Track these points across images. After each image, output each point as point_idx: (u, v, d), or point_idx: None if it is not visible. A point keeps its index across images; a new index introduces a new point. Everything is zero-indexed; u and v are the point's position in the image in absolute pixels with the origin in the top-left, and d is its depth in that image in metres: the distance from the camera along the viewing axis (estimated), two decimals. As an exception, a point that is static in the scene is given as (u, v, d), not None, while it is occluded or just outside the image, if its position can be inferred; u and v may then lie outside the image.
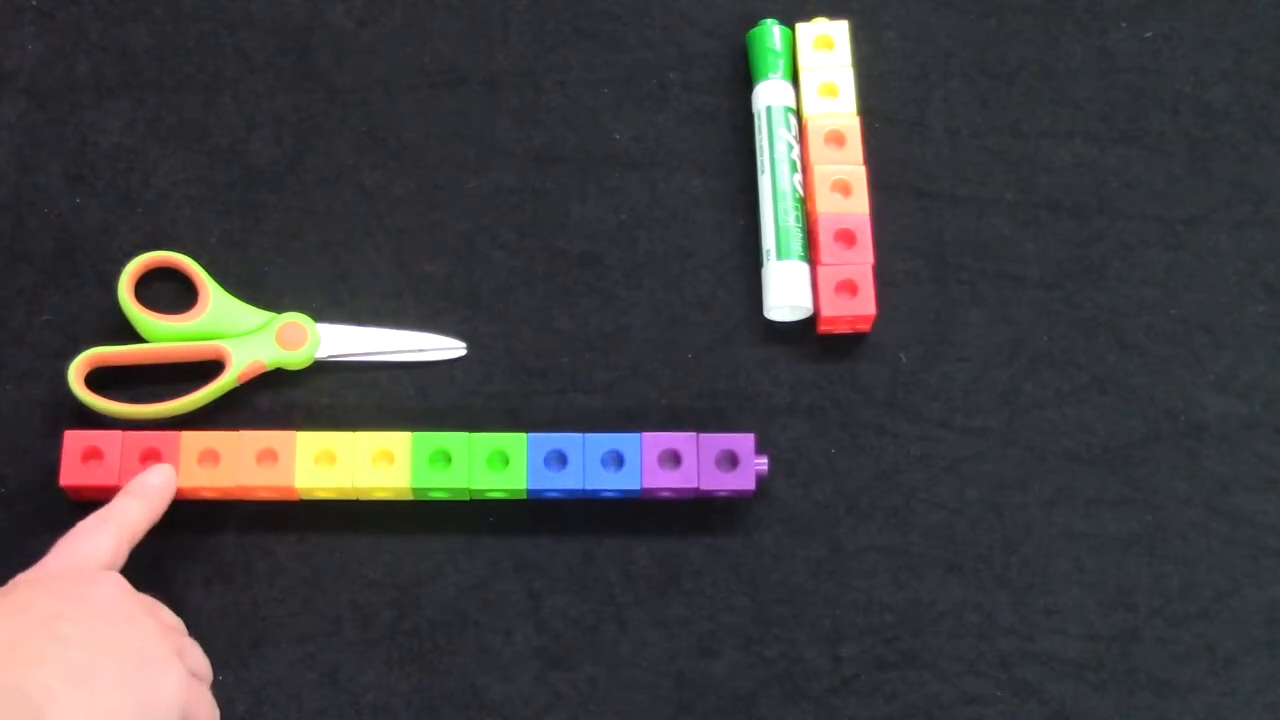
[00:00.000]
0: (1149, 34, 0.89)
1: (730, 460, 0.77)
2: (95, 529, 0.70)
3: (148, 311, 0.80)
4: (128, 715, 0.61)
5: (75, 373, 0.78)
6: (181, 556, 0.77)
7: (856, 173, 0.83)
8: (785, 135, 0.84)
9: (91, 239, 0.83)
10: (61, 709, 0.59)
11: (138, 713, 0.62)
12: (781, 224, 0.82)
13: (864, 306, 0.81)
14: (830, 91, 0.85)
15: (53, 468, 0.76)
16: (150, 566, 0.74)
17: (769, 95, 0.85)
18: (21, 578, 0.67)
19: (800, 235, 0.83)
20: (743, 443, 0.77)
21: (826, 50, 0.86)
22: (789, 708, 0.75)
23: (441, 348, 0.81)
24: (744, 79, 0.87)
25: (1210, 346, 0.83)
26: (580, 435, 0.77)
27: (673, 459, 0.77)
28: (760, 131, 0.85)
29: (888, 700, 0.76)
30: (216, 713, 0.68)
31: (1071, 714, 0.76)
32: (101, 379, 0.79)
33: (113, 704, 0.61)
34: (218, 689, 0.72)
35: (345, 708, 0.75)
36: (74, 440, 0.76)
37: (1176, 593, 0.78)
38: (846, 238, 0.82)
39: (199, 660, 0.69)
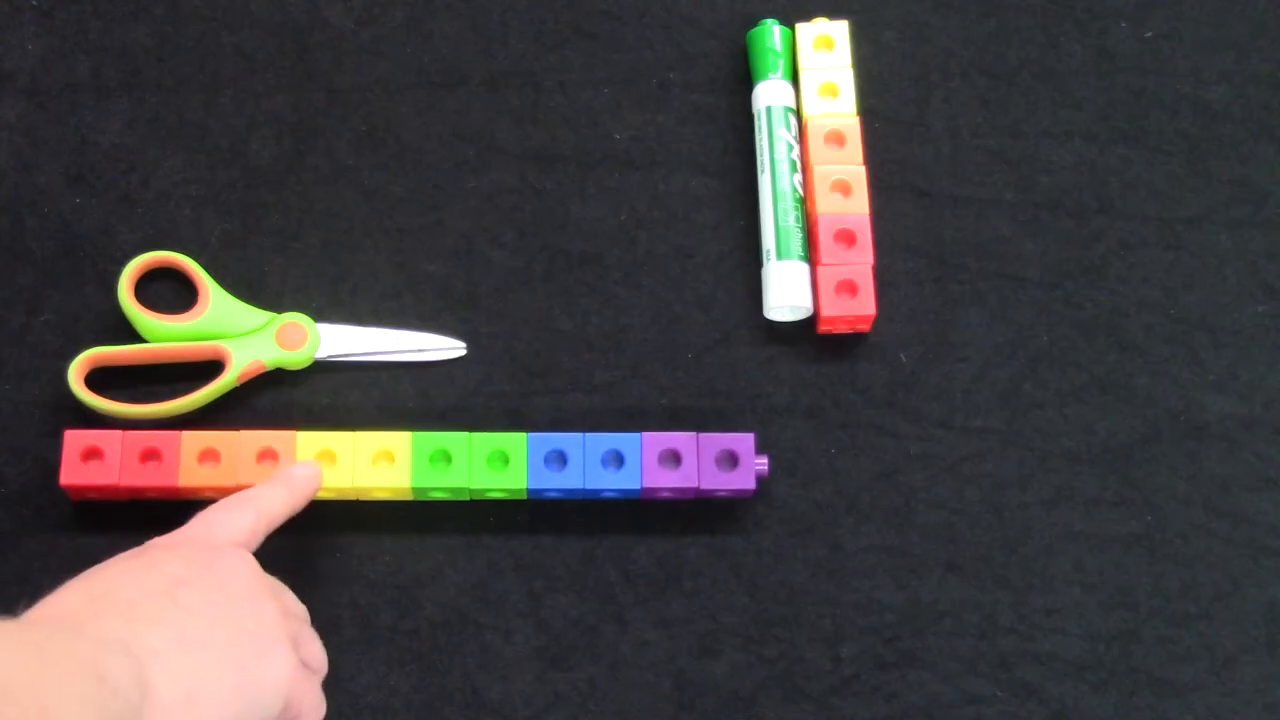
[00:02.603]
0: (1149, 34, 0.89)
1: (730, 460, 0.77)
2: (236, 507, 0.70)
3: (148, 311, 0.80)
4: (230, 691, 0.61)
5: (75, 373, 0.78)
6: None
7: (856, 173, 0.83)
8: (785, 135, 0.84)
9: (91, 239, 0.83)
10: (165, 672, 0.59)
11: (241, 690, 0.62)
12: (781, 224, 0.83)
13: (864, 306, 0.81)
14: (830, 91, 0.85)
15: (53, 468, 0.76)
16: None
17: (769, 95, 0.85)
18: (156, 541, 0.67)
19: (800, 235, 0.83)
20: (743, 442, 0.77)
21: (826, 50, 0.86)
22: (789, 708, 0.75)
23: (441, 348, 0.81)
24: (744, 79, 0.87)
25: (1210, 346, 0.83)
26: (580, 435, 0.77)
27: (673, 458, 0.77)
28: (760, 131, 0.85)
29: (888, 700, 0.76)
30: (323, 707, 0.67)
31: (1071, 714, 0.76)
32: (101, 379, 0.79)
33: (217, 677, 0.61)
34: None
35: (345, 708, 0.75)
36: (74, 440, 0.76)
37: (1176, 593, 0.78)
38: (846, 238, 0.82)
39: (315, 652, 0.69)
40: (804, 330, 0.83)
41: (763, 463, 0.77)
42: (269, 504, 0.71)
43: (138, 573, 0.63)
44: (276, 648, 0.64)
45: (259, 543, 0.70)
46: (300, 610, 0.70)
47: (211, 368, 0.79)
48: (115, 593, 0.61)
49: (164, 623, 0.60)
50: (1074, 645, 0.77)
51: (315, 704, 0.67)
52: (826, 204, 0.83)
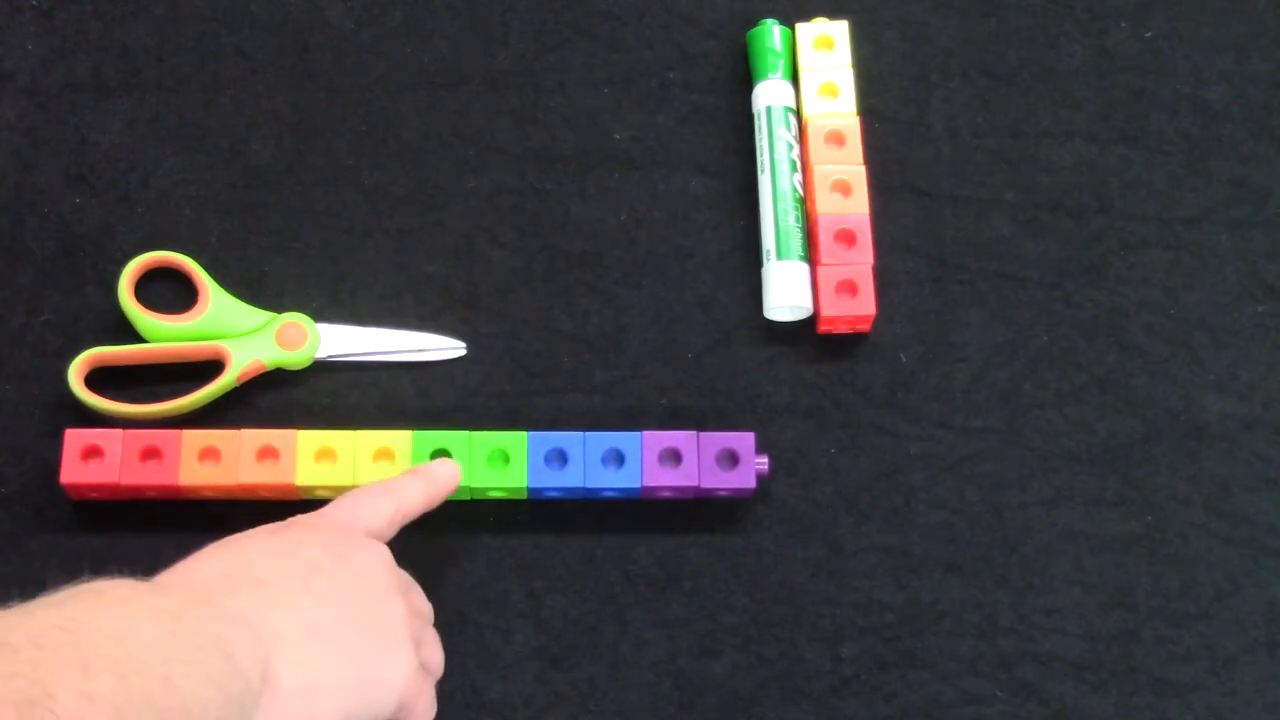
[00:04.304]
0: (1149, 34, 0.89)
1: (731, 459, 0.77)
2: (378, 495, 0.70)
3: (148, 311, 0.80)
4: (347, 684, 0.61)
5: (75, 373, 0.78)
6: (182, 556, 0.76)
7: (856, 173, 0.83)
8: (785, 135, 0.84)
9: (91, 239, 0.83)
10: (287, 657, 0.59)
11: (357, 686, 0.62)
12: (781, 224, 0.83)
13: (864, 306, 0.81)
14: (830, 91, 0.85)
15: (53, 467, 0.76)
16: (151, 568, 0.74)
17: (769, 95, 0.85)
18: (299, 519, 0.67)
19: (800, 235, 0.83)
20: (743, 441, 0.77)
21: (826, 50, 0.86)
22: (789, 708, 0.75)
23: (441, 348, 0.81)
24: (744, 79, 0.87)
25: (1210, 346, 0.83)
26: (580, 434, 0.77)
27: (673, 457, 0.77)
28: (760, 131, 0.85)
29: (888, 700, 0.76)
30: (434, 709, 0.67)
31: (1071, 714, 0.76)
32: (101, 379, 0.79)
33: (336, 668, 0.61)
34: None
35: (345, 707, 0.74)
36: (74, 438, 0.76)
37: (1176, 593, 0.78)
38: (846, 238, 0.82)
39: (434, 653, 0.69)
40: (804, 330, 0.83)
41: (763, 462, 0.77)
42: (409, 497, 0.71)
43: (277, 552, 0.63)
44: (399, 648, 0.64)
45: (394, 533, 0.70)
46: (426, 609, 0.70)
47: (211, 368, 0.79)
48: (252, 568, 0.62)
49: (295, 608, 0.61)
50: (1074, 645, 0.77)
51: (428, 706, 0.67)
52: (826, 204, 0.83)
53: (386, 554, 0.67)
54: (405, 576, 0.69)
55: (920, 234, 0.85)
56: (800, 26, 0.87)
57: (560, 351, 0.82)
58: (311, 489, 0.77)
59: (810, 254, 0.83)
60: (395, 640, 0.64)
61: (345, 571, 0.64)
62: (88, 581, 0.55)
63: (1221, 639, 0.77)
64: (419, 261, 0.83)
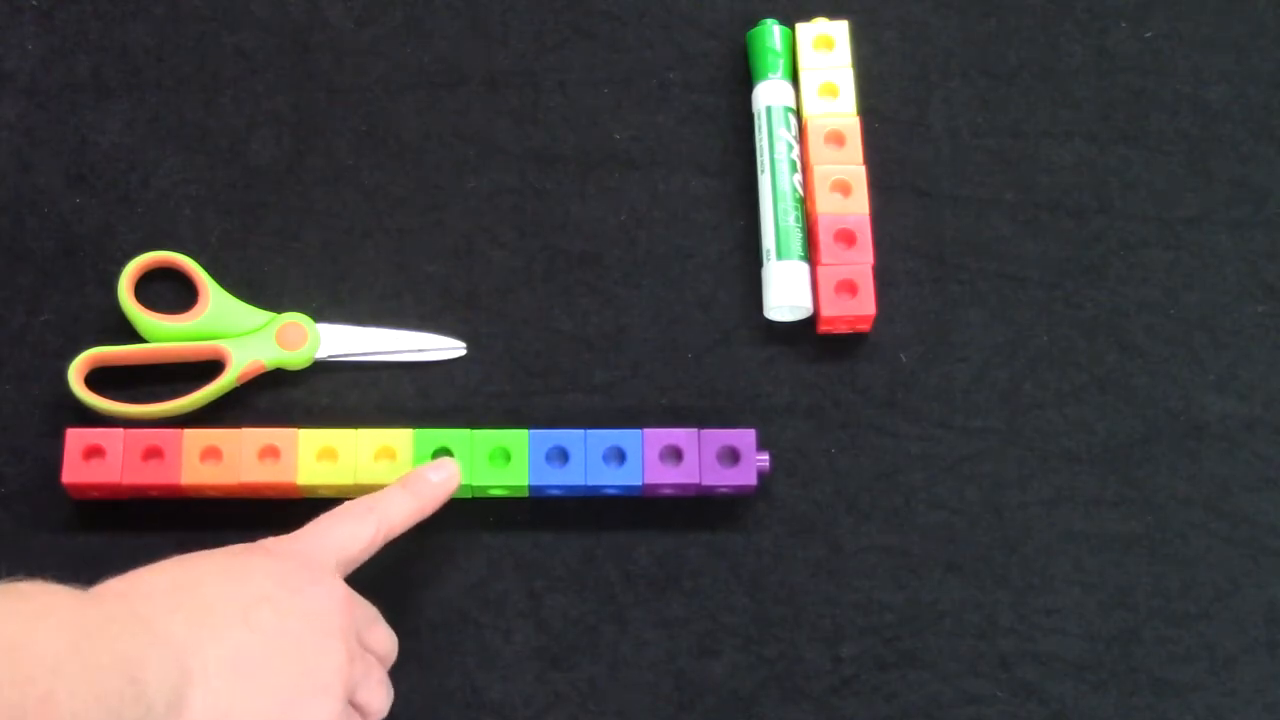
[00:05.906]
0: (1149, 34, 0.89)
1: (732, 456, 0.77)
2: (357, 517, 0.69)
3: (148, 311, 0.80)
4: None
5: (75, 373, 0.78)
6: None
7: (856, 173, 0.83)
8: (785, 135, 0.84)
9: (91, 239, 0.83)
10: (208, 690, 0.59)
11: None
12: (781, 224, 0.83)
13: (864, 306, 0.81)
14: (830, 91, 0.85)
15: (54, 468, 0.76)
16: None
17: (769, 95, 0.85)
18: (266, 543, 0.67)
19: (800, 235, 0.83)
20: (744, 438, 0.77)
21: (826, 50, 0.86)
22: (789, 708, 0.75)
23: (441, 348, 0.81)
24: (744, 79, 0.87)
25: (1210, 346, 0.83)
26: (581, 431, 0.77)
27: (674, 455, 0.77)
28: (760, 131, 0.85)
29: (888, 700, 0.76)
30: None
31: (1071, 714, 0.76)
32: (101, 379, 0.79)
33: (254, 704, 0.61)
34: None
35: (345, 707, 0.74)
36: (75, 438, 0.76)
37: (1176, 593, 0.78)
38: (846, 238, 0.82)
39: (375, 699, 0.67)
40: (804, 330, 0.83)
41: (764, 459, 0.77)
42: (392, 514, 0.71)
43: (229, 575, 0.63)
44: (325, 694, 0.63)
45: (374, 551, 0.70)
46: (382, 647, 0.69)
47: (211, 368, 0.79)
48: (199, 588, 0.62)
49: (227, 640, 0.61)
50: (1074, 645, 0.77)
51: None
52: (826, 204, 0.83)
53: (342, 593, 0.66)
54: (364, 613, 0.68)
55: (920, 234, 0.85)
56: (800, 26, 0.87)
57: (560, 351, 0.82)
58: (313, 488, 0.77)
59: (810, 254, 0.83)
60: (323, 685, 0.63)
61: (291, 606, 0.64)
62: (23, 581, 0.55)
63: (1221, 639, 0.77)
64: (419, 261, 0.83)
